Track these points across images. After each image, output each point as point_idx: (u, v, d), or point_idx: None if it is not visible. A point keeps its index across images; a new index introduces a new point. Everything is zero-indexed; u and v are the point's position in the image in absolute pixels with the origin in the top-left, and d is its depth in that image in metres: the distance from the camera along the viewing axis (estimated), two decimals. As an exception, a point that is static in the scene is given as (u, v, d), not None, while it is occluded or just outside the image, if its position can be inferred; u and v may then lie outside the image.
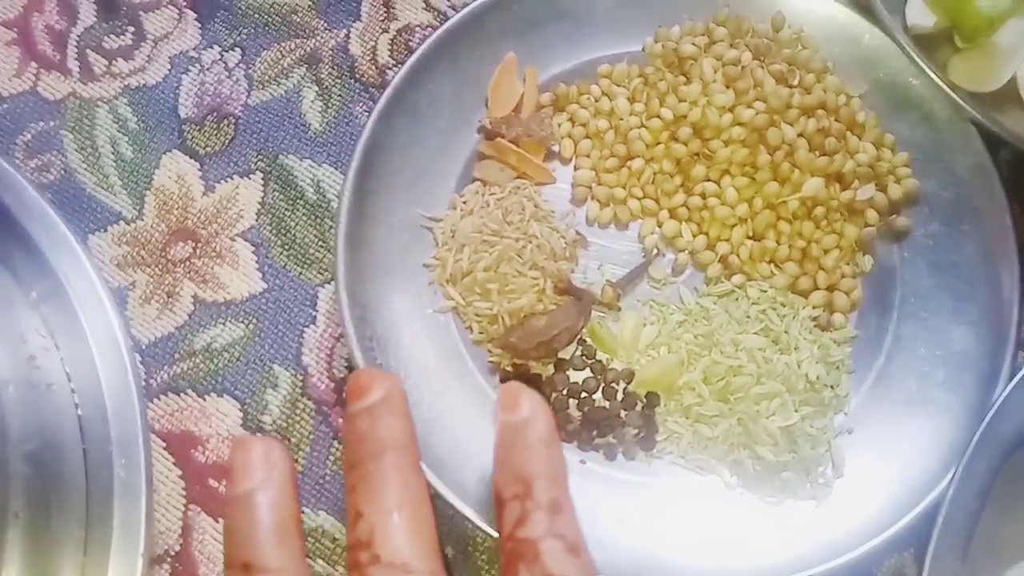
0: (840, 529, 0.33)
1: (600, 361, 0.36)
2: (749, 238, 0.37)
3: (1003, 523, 0.32)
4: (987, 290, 0.36)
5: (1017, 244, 0.36)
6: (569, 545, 0.19)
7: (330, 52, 0.42)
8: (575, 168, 0.39)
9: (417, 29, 0.42)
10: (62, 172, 0.40)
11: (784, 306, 0.37)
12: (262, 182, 0.40)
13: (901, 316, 0.36)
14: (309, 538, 0.35)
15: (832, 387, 0.35)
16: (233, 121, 0.41)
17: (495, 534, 0.32)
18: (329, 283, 0.38)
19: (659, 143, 0.38)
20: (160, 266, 0.39)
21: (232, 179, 0.40)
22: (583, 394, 0.36)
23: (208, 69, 0.41)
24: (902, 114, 0.38)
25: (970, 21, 0.36)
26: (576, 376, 0.36)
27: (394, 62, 0.42)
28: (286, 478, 0.20)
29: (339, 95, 0.41)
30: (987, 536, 0.32)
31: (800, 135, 0.37)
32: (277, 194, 0.40)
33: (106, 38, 0.42)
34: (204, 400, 0.37)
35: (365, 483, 0.20)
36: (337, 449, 0.36)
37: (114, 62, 0.42)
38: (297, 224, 0.39)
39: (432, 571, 0.19)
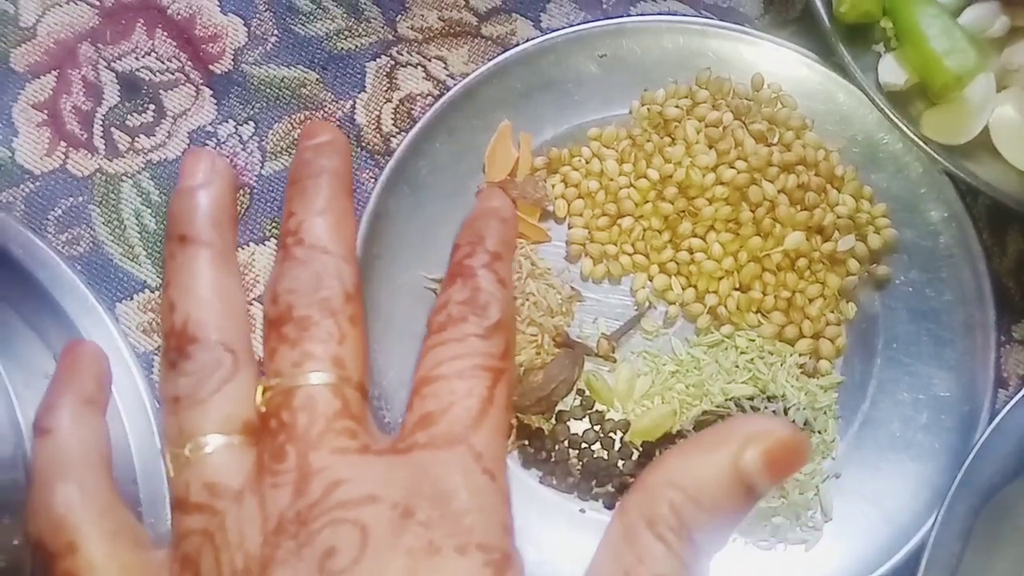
0: (830, 571, 0.35)
1: (599, 411, 0.38)
2: (736, 290, 0.39)
3: (985, 562, 0.33)
4: (965, 335, 0.37)
5: (993, 289, 0.38)
6: (501, 279, 0.22)
7: (337, 122, 0.44)
8: (569, 227, 0.41)
9: (418, 98, 0.45)
10: (90, 244, 0.43)
11: (772, 354, 0.38)
12: (276, 248, 0.42)
13: (884, 361, 0.38)
14: None
15: (820, 432, 0.37)
16: (248, 191, 0.43)
17: None
18: (340, 343, 0.41)
19: (647, 202, 0.40)
20: (182, 331, 0.41)
21: (248, 246, 0.42)
22: (583, 445, 0.38)
23: (224, 142, 0.44)
24: (879, 167, 0.40)
25: (939, 79, 0.38)
26: (576, 427, 0.38)
27: (397, 130, 0.44)
28: (227, 183, 0.23)
29: (346, 163, 0.44)
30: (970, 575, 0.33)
31: (781, 191, 0.39)
32: (290, 259, 0.42)
33: (129, 116, 0.45)
34: (225, 458, 0.39)
35: (301, 193, 0.23)
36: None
37: (137, 139, 0.44)
38: (309, 287, 0.42)
39: (345, 256, 0.22)
